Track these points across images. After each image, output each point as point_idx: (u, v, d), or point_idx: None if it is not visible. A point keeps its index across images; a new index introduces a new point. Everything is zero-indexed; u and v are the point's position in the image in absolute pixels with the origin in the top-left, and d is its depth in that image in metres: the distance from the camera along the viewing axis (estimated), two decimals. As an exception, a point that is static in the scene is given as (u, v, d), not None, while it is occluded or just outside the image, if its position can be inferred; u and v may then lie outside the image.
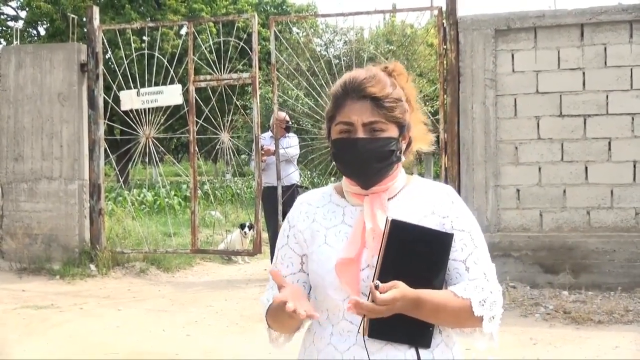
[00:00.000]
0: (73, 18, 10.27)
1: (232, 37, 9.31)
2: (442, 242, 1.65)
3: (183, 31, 22.02)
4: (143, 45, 14.57)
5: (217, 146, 8.86)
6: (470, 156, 7.13)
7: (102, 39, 8.48)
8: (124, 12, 23.69)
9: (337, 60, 14.12)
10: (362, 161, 1.69)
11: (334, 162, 1.81)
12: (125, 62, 8.81)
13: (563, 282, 6.75)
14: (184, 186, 17.13)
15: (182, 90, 8.38)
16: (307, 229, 1.80)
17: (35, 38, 27.23)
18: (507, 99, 7.10)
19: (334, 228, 1.76)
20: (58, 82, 8.34)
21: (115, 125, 11.20)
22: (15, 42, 11.70)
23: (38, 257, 8.15)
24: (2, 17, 28.52)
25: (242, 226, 9.48)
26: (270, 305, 1.81)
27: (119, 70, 8.64)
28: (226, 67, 8.08)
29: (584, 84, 6.91)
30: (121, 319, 6.23)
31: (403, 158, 1.77)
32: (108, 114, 8.61)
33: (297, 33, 19.69)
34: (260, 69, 10.25)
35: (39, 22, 26.82)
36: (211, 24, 18.67)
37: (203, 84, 8.28)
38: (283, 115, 8.32)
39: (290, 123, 8.51)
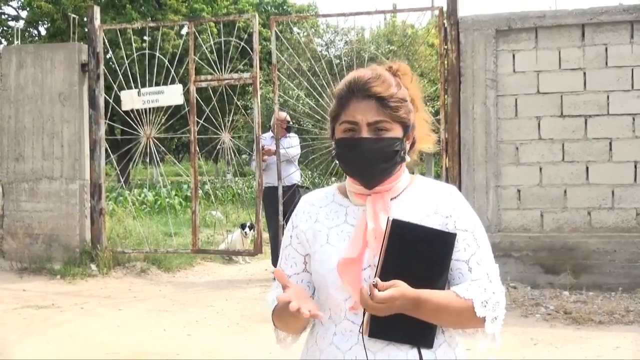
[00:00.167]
0: (74, 18, 10.27)
1: (233, 37, 9.31)
2: (444, 242, 1.64)
3: (184, 31, 22.02)
4: (144, 45, 14.58)
5: (218, 146, 8.86)
6: (471, 156, 7.13)
7: (103, 39, 8.48)
8: (125, 12, 23.71)
9: (338, 61, 14.13)
10: (366, 161, 1.68)
11: (336, 162, 1.81)
12: (126, 62, 8.82)
13: (564, 282, 6.75)
14: (185, 186, 17.14)
15: (183, 90, 8.38)
16: (309, 229, 1.81)
17: (36, 38, 27.24)
18: (508, 99, 7.10)
19: (336, 228, 1.76)
20: (59, 82, 8.34)
21: (116, 125, 11.21)
22: (16, 42, 11.71)
23: (39, 257, 8.15)
24: (3, 16, 28.54)
25: (242, 226, 9.48)
26: (276, 305, 1.81)
27: (120, 70, 8.64)
28: (227, 67, 8.09)
29: (584, 84, 6.91)
30: (122, 318, 6.23)
31: (407, 158, 1.76)
32: (109, 113, 8.61)
33: (298, 33, 19.69)
34: (261, 69, 10.26)
35: (40, 22, 26.83)
36: (212, 24, 18.66)
37: (204, 84, 8.28)
38: (284, 115, 8.32)
39: (291, 123, 8.51)
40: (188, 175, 9.82)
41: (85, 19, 8.95)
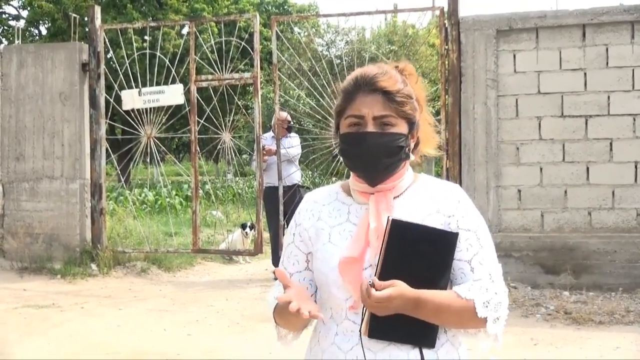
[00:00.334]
0: (75, 17, 10.28)
1: (233, 37, 9.32)
2: (446, 241, 1.63)
3: (184, 31, 22.02)
4: (144, 44, 14.56)
5: (219, 146, 8.86)
6: (472, 156, 7.13)
7: (104, 39, 8.48)
8: (126, 12, 23.71)
9: (339, 60, 14.13)
10: (371, 156, 1.68)
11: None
12: (127, 62, 8.82)
13: (564, 282, 6.75)
14: (185, 186, 17.14)
15: (184, 90, 8.38)
16: (312, 227, 1.80)
17: (37, 37, 27.25)
18: (508, 99, 7.10)
19: (338, 226, 1.76)
20: (59, 82, 8.35)
21: (117, 125, 11.20)
22: (16, 42, 11.72)
23: (39, 257, 8.15)
24: (3, 16, 28.55)
25: (243, 226, 9.48)
26: (277, 304, 1.81)
27: (121, 70, 8.64)
28: (228, 67, 8.08)
29: (585, 84, 6.91)
30: (122, 318, 6.23)
31: (411, 156, 1.76)
32: (109, 113, 8.60)
33: (299, 33, 19.70)
34: (261, 68, 10.27)
35: (41, 22, 26.84)
36: (213, 23, 18.66)
37: (204, 84, 8.29)
38: (285, 115, 8.32)
39: (291, 123, 8.51)
40: (188, 175, 9.82)
41: (86, 19, 8.95)
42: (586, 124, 6.92)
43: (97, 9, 8.53)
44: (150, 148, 8.45)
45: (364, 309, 1.60)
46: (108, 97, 8.49)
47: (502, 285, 1.67)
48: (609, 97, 6.87)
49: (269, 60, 20.19)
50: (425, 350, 1.65)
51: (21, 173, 8.43)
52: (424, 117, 1.80)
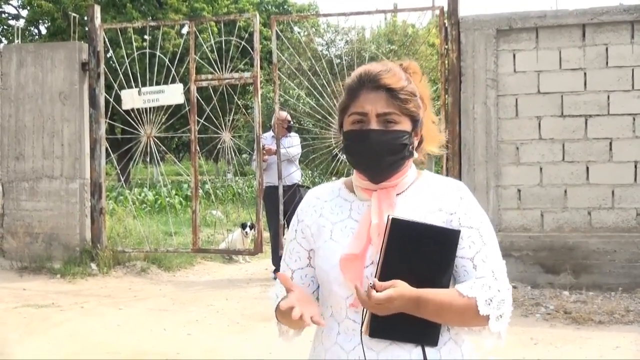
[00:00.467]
0: (74, 17, 10.28)
1: (233, 37, 9.32)
2: (447, 239, 1.62)
3: (184, 30, 22.02)
4: (144, 44, 14.57)
5: (219, 145, 8.86)
6: (472, 156, 7.13)
7: (104, 38, 8.48)
8: (126, 11, 23.71)
9: (339, 60, 14.13)
10: (374, 153, 1.67)
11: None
12: (127, 61, 8.82)
13: (564, 282, 6.75)
14: (185, 185, 17.15)
15: (184, 89, 8.38)
16: (314, 223, 1.80)
17: (37, 37, 27.25)
18: (508, 99, 7.10)
19: (340, 223, 1.75)
20: (59, 81, 8.34)
21: (117, 125, 11.22)
22: (16, 41, 11.72)
23: (39, 256, 8.15)
24: (3, 15, 28.54)
25: (243, 226, 9.48)
26: (279, 301, 1.80)
27: (120, 69, 8.64)
28: (227, 66, 8.08)
29: (585, 84, 6.91)
30: (122, 318, 6.23)
31: (415, 154, 1.75)
32: (109, 113, 8.60)
33: (299, 32, 19.70)
34: (261, 68, 10.27)
35: (40, 21, 26.84)
36: (212, 23, 18.66)
37: (204, 83, 8.29)
38: (285, 114, 8.32)
39: (291, 123, 8.51)
40: (188, 175, 9.82)
41: (85, 18, 8.95)
42: (586, 123, 6.92)
43: (97, 9, 8.53)
44: (150, 147, 8.45)
45: (365, 309, 1.60)
46: (108, 96, 8.49)
47: (505, 282, 1.65)
48: (608, 97, 6.87)
49: (269, 59, 20.19)
50: (427, 349, 1.63)
51: (21, 172, 8.42)
52: (428, 116, 1.79)
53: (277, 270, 8.02)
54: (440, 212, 1.70)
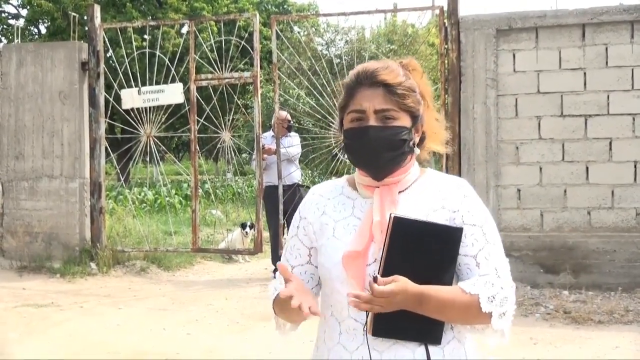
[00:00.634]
0: (74, 16, 10.28)
1: (233, 36, 9.32)
2: (450, 237, 1.62)
3: (184, 30, 22.00)
4: (144, 43, 14.56)
5: (218, 145, 8.86)
6: (471, 156, 7.13)
7: (103, 38, 8.48)
8: (125, 11, 23.70)
9: (339, 60, 14.12)
10: (373, 150, 1.67)
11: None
12: (127, 61, 8.81)
13: (563, 282, 6.75)
14: (185, 185, 17.14)
15: (183, 89, 8.38)
16: (316, 221, 1.79)
17: (36, 36, 27.24)
18: (508, 99, 7.10)
19: (343, 221, 1.75)
20: (59, 81, 8.34)
21: (116, 124, 11.22)
22: (16, 40, 11.72)
23: (38, 256, 8.15)
24: (3, 15, 28.54)
25: (243, 226, 9.47)
26: (277, 294, 1.80)
27: (120, 69, 8.64)
28: (227, 66, 8.08)
29: (585, 84, 6.91)
30: (122, 317, 6.23)
31: (416, 150, 1.75)
32: (109, 112, 8.61)
33: (299, 32, 19.69)
34: (261, 68, 10.26)
35: (40, 21, 26.83)
36: (212, 22, 18.65)
37: (204, 83, 8.29)
38: (284, 114, 8.32)
39: (291, 122, 8.51)
40: (188, 174, 9.82)
41: (85, 18, 8.95)
42: (586, 123, 6.92)
43: (97, 8, 8.53)
44: (150, 147, 8.45)
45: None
46: (107, 96, 8.49)
47: (508, 280, 1.64)
48: (608, 97, 6.87)
49: (269, 59, 20.18)
50: (431, 348, 1.63)
51: (20, 172, 8.42)
52: (430, 113, 1.79)
53: (276, 270, 8.01)
54: (443, 209, 1.69)
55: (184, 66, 9.54)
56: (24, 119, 8.43)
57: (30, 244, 8.24)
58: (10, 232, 8.39)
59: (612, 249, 6.75)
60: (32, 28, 27.55)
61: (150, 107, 8.39)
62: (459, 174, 7.12)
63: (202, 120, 8.30)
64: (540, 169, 7.01)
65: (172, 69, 8.30)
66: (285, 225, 8.07)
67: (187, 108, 8.33)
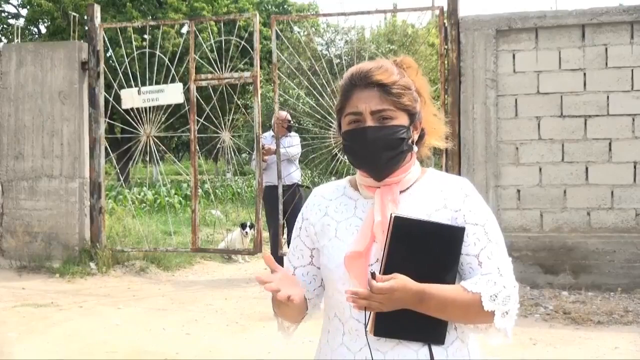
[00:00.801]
0: (74, 16, 10.27)
1: (233, 36, 9.31)
2: (452, 236, 1.61)
3: (184, 30, 22.01)
4: (144, 43, 14.57)
5: (218, 145, 8.86)
6: (471, 156, 7.13)
7: (103, 37, 8.48)
8: (125, 11, 23.70)
9: (338, 60, 14.11)
10: (372, 150, 1.67)
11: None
12: (126, 61, 8.81)
13: (563, 282, 6.76)
14: (185, 185, 17.15)
15: (183, 89, 8.38)
16: (318, 222, 1.80)
17: (36, 36, 27.25)
18: (508, 99, 7.10)
19: (345, 221, 1.75)
20: (59, 80, 8.34)
21: (116, 124, 11.23)
22: (16, 40, 11.72)
23: (38, 255, 8.15)
24: (3, 14, 28.54)
25: (242, 226, 9.47)
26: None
27: (120, 69, 8.64)
28: (227, 66, 8.08)
29: (584, 84, 6.91)
30: (121, 317, 6.23)
31: (415, 148, 1.74)
32: (109, 112, 8.60)
33: (299, 32, 19.69)
34: (261, 68, 10.26)
35: (40, 20, 26.83)
36: (212, 22, 18.66)
37: (204, 83, 8.28)
38: (284, 114, 8.32)
39: (291, 122, 8.51)
40: (188, 174, 9.82)
41: (85, 17, 8.95)
42: (585, 124, 6.93)
43: (97, 8, 8.53)
44: (150, 147, 8.45)
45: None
46: (107, 96, 8.49)
47: (511, 279, 1.63)
48: (608, 97, 6.87)
49: (269, 59, 20.18)
50: (435, 349, 1.62)
51: (20, 172, 8.42)
52: (428, 109, 1.78)
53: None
54: (445, 209, 1.68)
55: (184, 66, 9.53)
56: (23, 118, 8.43)
57: (29, 244, 8.24)
58: (10, 231, 8.39)
59: (612, 250, 6.75)
60: (32, 28, 27.55)
61: (150, 107, 8.39)
62: (459, 174, 7.12)
63: (202, 120, 8.30)
64: (540, 169, 7.02)
65: (172, 69, 8.30)
66: (285, 225, 8.07)
67: (187, 108, 8.33)
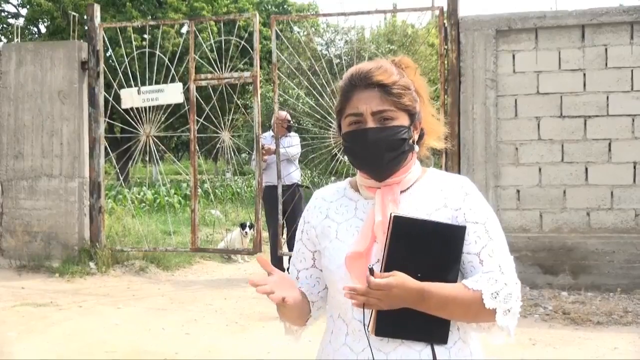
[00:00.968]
0: (74, 16, 10.27)
1: (233, 36, 9.31)
2: (452, 235, 1.61)
3: (184, 30, 22.02)
4: (144, 43, 14.58)
5: (218, 145, 8.86)
6: (471, 156, 7.13)
7: (103, 37, 8.47)
8: (125, 10, 23.70)
9: (338, 60, 14.12)
10: (374, 151, 1.66)
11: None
12: (126, 60, 8.81)
13: (562, 282, 6.76)
14: (184, 185, 17.14)
15: (183, 88, 8.38)
16: (319, 224, 1.80)
17: (36, 35, 27.24)
18: (507, 99, 7.10)
19: (345, 222, 1.75)
20: (59, 80, 8.34)
21: (116, 124, 11.22)
22: (16, 40, 11.71)
23: (37, 255, 8.15)
24: (3, 14, 28.53)
25: (242, 226, 9.47)
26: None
27: (120, 69, 8.64)
28: (227, 65, 8.08)
29: (584, 85, 6.92)
30: (120, 317, 6.23)
31: (416, 148, 1.74)
32: (108, 112, 8.60)
33: (298, 32, 19.69)
34: (261, 68, 10.25)
35: (40, 20, 26.83)
36: (212, 22, 18.65)
37: (204, 83, 8.28)
38: (284, 114, 8.31)
39: (291, 122, 8.51)
40: (187, 174, 9.82)
41: (85, 17, 8.95)
42: (585, 124, 6.93)
43: (97, 8, 8.52)
44: (149, 147, 8.45)
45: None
46: (107, 95, 8.48)
47: (513, 277, 1.62)
48: (607, 98, 6.88)
49: (269, 59, 20.19)
50: (437, 349, 1.61)
51: (20, 171, 8.42)
52: (427, 109, 1.78)
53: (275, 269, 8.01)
54: (445, 208, 1.68)
55: (184, 66, 9.53)
56: (23, 118, 8.43)
57: (29, 243, 8.24)
58: (10, 231, 8.39)
59: (611, 250, 6.75)
60: (31, 27, 27.54)
61: (149, 107, 8.38)
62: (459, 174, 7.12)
63: (201, 120, 8.30)
64: (540, 169, 7.02)
65: (172, 69, 8.30)
66: (285, 225, 8.07)
67: (186, 108, 8.33)
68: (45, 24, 26.59)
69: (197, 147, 8.34)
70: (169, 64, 8.24)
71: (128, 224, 9.62)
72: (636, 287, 6.59)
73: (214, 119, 9.32)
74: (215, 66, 8.15)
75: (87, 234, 8.28)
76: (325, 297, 1.84)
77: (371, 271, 1.52)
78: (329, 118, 8.12)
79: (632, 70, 6.83)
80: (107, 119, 8.66)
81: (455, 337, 1.65)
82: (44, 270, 7.99)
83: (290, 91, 14.43)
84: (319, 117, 9.23)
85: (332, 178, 12.55)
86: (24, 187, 8.40)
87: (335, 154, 8.47)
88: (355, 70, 1.73)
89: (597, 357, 4.95)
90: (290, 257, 7.89)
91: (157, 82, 8.64)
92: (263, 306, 6.20)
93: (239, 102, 10.36)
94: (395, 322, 1.58)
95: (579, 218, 6.93)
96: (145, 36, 19.46)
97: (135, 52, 8.68)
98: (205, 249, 8.78)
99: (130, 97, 8.37)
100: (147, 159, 9.14)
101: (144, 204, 14.42)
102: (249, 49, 8.42)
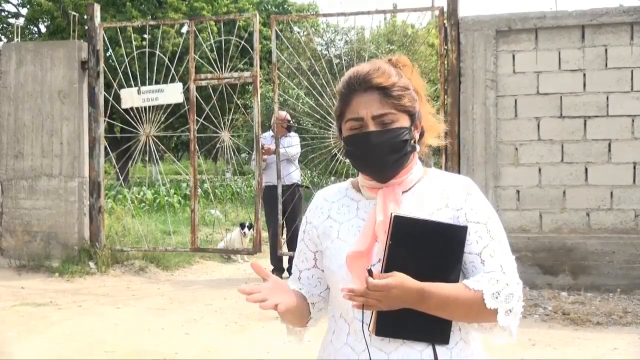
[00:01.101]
0: (74, 16, 10.27)
1: (233, 36, 9.31)
2: (454, 235, 1.60)
3: (184, 29, 22.01)
4: (144, 43, 14.58)
5: (218, 145, 8.86)
6: (471, 157, 7.13)
7: (103, 37, 8.48)
8: (125, 10, 23.70)
9: (338, 60, 14.12)
10: (377, 155, 1.65)
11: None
12: (126, 60, 8.81)
13: (562, 283, 6.76)
14: (184, 184, 17.15)
15: (183, 88, 8.38)
16: (320, 225, 1.79)
17: (36, 35, 27.25)
18: (507, 99, 7.10)
19: (347, 222, 1.75)
20: (59, 80, 8.34)
21: (116, 123, 11.22)
22: (16, 39, 11.71)
23: (37, 255, 8.15)
24: (3, 14, 28.54)
25: (242, 226, 9.47)
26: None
27: (120, 68, 8.64)
28: (227, 65, 8.08)
29: (584, 85, 6.92)
30: (120, 317, 6.23)
31: (418, 147, 1.73)
32: (108, 111, 8.61)
33: (298, 32, 19.69)
34: (261, 68, 10.25)
35: (40, 20, 26.83)
36: (212, 22, 18.65)
37: (204, 83, 8.29)
38: (284, 114, 8.32)
39: (291, 122, 8.51)
40: (187, 174, 9.82)
41: (85, 17, 8.95)
42: (585, 124, 6.93)
43: (97, 7, 8.52)
44: (149, 146, 8.45)
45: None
46: (107, 95, 8.49)
47: (514, 277, 1.61)
48: (607, 98, 6.88)
49: (269, 59, 20.20)
50: (439, 349, 1.61)
51: (20, 171, 8.42)
52: (425, 106, 1.77)
53: (275, 270, 8.02)
54: (446, 208, 1.68)
55: (184, 66, 9.53)
56: (23, 118, 8.43)
57: (29, 243, 8.24)
58: (9, 231, 8.39)
59: (611, 251, 6.75)
60: (32, 27, 27.55)
61: (149, 107, 8.38)
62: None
63: (201, 120, 8.30)
64: (540, 170, 7.02)
65: (172, 69, 8.30)
66: (284, 225, 8.07)
67: (186, 108, 8.33)
68: (46, 24, 26.60)
69: (197, 147, 8.34)
70: (169, 63, 8.24)
71: (128, 223, 9.62)
72: (636, 288, 6.59)
73: (213, 118, 9.33)
74: (215, 66, 8.15)
75: (86, 233, 8.28)
76: (327, 297, 1.84)
77: (370, 272, 1.51)
78: (329, 118, 8.12)
79: (632, 71, 6.83)
80: (107, 119, 8.66)
81: (457, 338, 1.65)
82: (43, 270, 7.98)
83: (290, 91, 14.43)
84: (318, 117, 9.23)
85: (332, 178, 12.54)
86: (23, 186, 8.40)
87: (335, 154, 8.47)
88: (353, 73, 1.71)
89: (596, 358, 4.95)
90: (290, 257, 7.91)
91: (157, 82, 8.65)
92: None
93: (238, 102, 10.36)
94: (396, 322, 1.58)
95: (579, 218, 6.93)
96: (145, 36, 19.46)
97: (135, 52, 8.69)
98: (205, 249, 8.78)
99: (130, 97, 8.37)
100: (147, 158, 9.14)
101: (143, 204, 14.42)
102: (249, 49, 8.43)
